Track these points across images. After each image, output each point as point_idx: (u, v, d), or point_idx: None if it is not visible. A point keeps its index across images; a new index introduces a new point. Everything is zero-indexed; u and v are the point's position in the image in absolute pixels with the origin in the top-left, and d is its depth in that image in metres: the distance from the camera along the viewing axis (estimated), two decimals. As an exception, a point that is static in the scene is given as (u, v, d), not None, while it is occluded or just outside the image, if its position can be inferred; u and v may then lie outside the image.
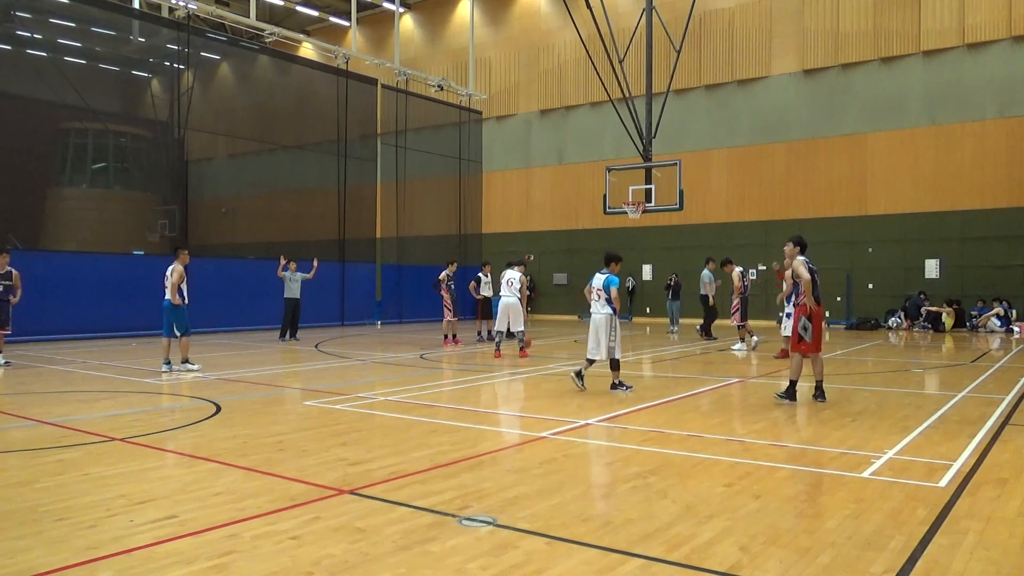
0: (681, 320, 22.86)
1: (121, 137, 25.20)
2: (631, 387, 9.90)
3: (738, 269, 15.90)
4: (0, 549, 4.02)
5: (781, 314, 14.59)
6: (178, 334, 11.99)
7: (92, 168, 25.24)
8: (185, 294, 12.02)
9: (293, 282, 18.43)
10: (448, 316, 17.58)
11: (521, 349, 14.60)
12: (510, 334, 14.98)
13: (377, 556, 3.92)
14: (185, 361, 12.01)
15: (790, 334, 14.21)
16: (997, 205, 22.29)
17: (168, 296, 11.89)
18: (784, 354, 14.33)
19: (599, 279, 9.89)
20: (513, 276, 14.91)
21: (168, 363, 11.93)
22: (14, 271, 13.62)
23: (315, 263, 19.14)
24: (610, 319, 9.76)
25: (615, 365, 9.85)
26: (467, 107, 30.73)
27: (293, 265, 18.49)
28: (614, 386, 9.84)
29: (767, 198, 25.95)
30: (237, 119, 25.52)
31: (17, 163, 19.81)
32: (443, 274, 17.98)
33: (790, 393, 8.86)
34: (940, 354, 15.84)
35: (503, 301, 14.86)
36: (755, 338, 16.12)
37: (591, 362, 10.04)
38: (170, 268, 11.96)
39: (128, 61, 25.33)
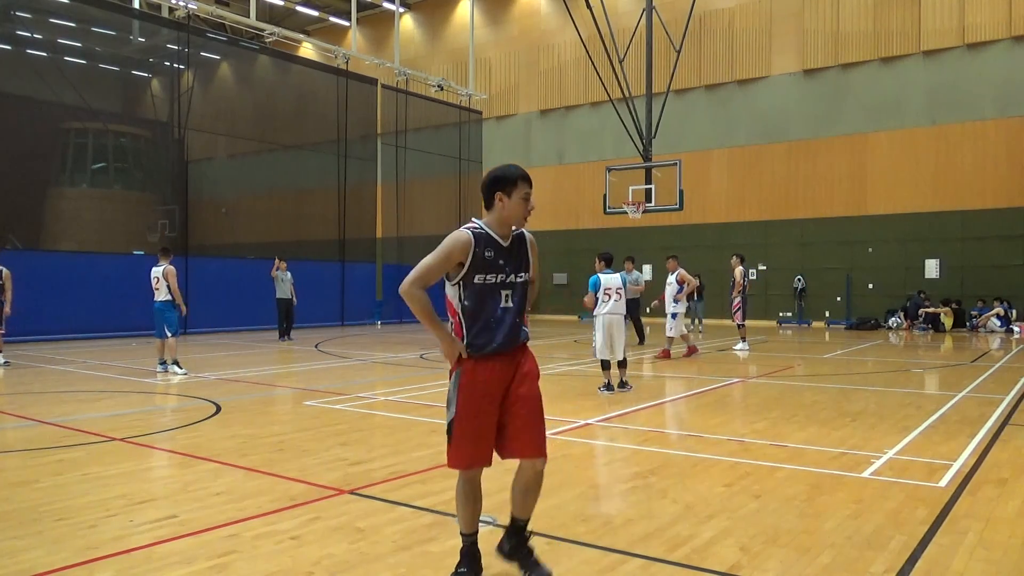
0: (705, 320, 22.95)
1: (121, 137, 25.15)
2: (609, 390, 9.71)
3: (741, 268, 15.81)
4: (0, 549, 4.02)
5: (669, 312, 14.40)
6: (168, 334, 11.63)
7: (92, 168, 25.18)
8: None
9: (284, 282, 18.50)
10: None
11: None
12: None
13: (377, 556, 3.92)
14: (173, 363, 11.67)
15: (672, 334, 14.08)
16: (997, 205, 22.29)
17: (167, 297, 11.56)
18: (665, 354, 14.06)
19: (618, 278, 9.79)
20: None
21: (163, 363, 11.77)
22: (4, 270, 13.35)
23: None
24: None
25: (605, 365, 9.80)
26: (467, 107, 30.68)
27: (283, 265, 18.56)
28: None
29: (767, 198, 25.94)
30: (237, 119, 25.46)
31: (17, 163, 19.75)
32: None
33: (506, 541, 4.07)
34: (940, 354, 15.83)
35: None
36: (741, 344, 16.06)
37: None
38: (160, 270, 11.62)
39: (128, 61, 25.29)
